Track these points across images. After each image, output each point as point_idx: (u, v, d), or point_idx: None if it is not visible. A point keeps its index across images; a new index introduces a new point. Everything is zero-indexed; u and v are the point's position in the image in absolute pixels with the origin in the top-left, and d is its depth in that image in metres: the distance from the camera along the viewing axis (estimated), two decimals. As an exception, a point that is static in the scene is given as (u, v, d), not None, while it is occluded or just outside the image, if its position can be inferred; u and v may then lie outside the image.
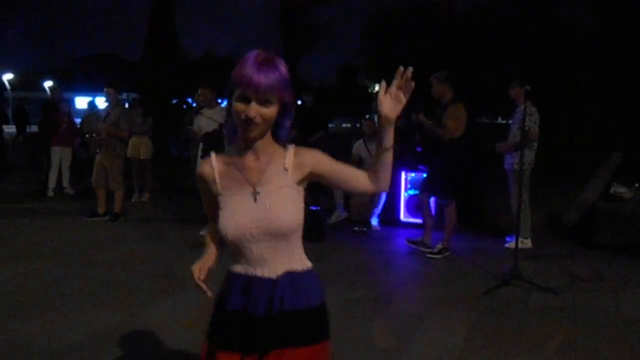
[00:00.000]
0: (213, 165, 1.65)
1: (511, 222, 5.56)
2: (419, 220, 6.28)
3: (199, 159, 5.89)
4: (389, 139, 1.59)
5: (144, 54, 28.01)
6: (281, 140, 1.62)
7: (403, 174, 6.71)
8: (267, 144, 1.60)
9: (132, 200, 8.16)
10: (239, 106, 1.50)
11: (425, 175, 5.91)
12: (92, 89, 7.40)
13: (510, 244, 5.29)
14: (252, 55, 1.51)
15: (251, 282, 1.60)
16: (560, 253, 5.62)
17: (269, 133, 1.59)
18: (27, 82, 43.67)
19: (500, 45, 20.07)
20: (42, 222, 6.84)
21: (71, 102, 24.98)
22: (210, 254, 1.79)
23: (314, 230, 5.64)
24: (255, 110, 1.48)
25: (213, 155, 1.67)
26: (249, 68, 1.47)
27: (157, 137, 9.15)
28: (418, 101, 5.50)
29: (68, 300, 4.13)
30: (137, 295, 4.28)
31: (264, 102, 1.49)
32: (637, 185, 5.93)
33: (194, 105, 7.99)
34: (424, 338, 3.57)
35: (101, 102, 8.24)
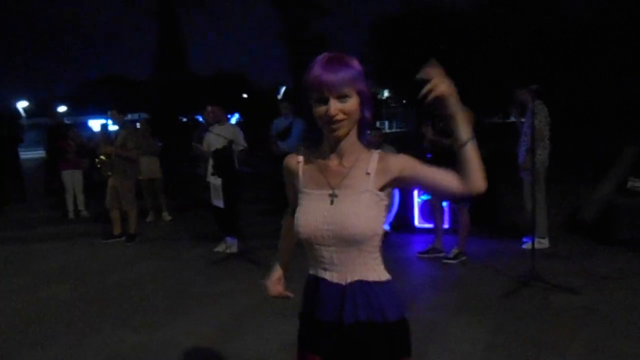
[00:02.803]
0: (299, 160, 1.65)
1: (527, 223, 5.49)
2: (430, 225, 6.23)
3: (209, 175, 5.92)
4: (461, 133, 1.45)
5: (153, 74, 28.33)
6: (365, 138, 1.58)
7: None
8: (352, 146, 1.56)
9: (148, 220, 8.22)
10: (319, 109, 1.48)
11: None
12: (104, 112, 7.53)
13: (528, 244, 5.22)
14: (319, 57, 1.51)
15: (319, 285, 1.58)
16: (579, 251, 5.52)
17: (354, 135, 1.55)
18: (42, 108, 44.47)
19: (508, 42, 19.94)
20: (60, 246, 6.93)
21: (85, 126, 25.38)
22: (279, 267, 1.94)
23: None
24: (334, 107, 1.46)
25: (302, 150, 1.66)
26: (318, 69, 1.47)
27: (169, 156, 9.24)
28: (426, 113, 5.50)
29: (87, 323, 4.16)
30: (155, 314, 4.30)
31: (341, 98, 1.47)
32: (654, 178, 5.83)
33: (202, 122, 8.06)
34: (443, 344, 3.53)
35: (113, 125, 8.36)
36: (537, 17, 21.56)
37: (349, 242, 1.51)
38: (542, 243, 5.49)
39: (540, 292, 4.32)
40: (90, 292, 4.97)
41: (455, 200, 5.41)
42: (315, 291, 1.59)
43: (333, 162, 1.58)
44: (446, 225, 6.26)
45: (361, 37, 34.78)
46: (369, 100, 1.53)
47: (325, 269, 1.57)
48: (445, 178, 1.50)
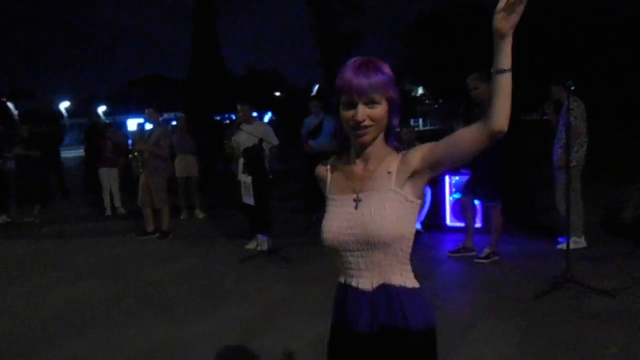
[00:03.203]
0: (328, 167, 1.66)
1: (561, 223, 5.37)
2: (461, 224, 6.14)
3: (240, 174, 5.99)
4: (503, 58, 1.35)
5: (189, 73, 28.84)
6: (392, 144, 1.56)
7: (447, 178, 6.58)
8: (378, 150, 1.54)
9: (181, 217, 8.38)
10: (347, 113, 1.48)
11: (468, 178, 5.78)
12: (142, 111, 7.76)
13: (563, 245, 5.06)
14: (351, 61, 1.49)
15: (347, 294, 1.55)
16: (618, 253, 5.33)
17: (381, 138, 1.54)
18: (83, 108, 45.91)
19: (545, 38, 19.45)
20: (96, 242, 7.14)
21: (124, 124, 26.07)
22: None
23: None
24: (362, 112, 1.45)
25: (334, 157, 1.66)
26: (349, 73, 1.46)
27: (203, 155, 9.40)
28: (458, 107, 5.41)
29: (120, 318, 4.28)
30: (186, 311, 4.38)
31: (370, 103, 1.46)
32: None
33: (235, 120, 8.17)
34: (473, 346, 3.47)
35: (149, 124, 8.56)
36: (573, 11, 20.94)
37: (374, 245, 1.47)
38: (579, 243, 5.34)
39: (574, 294, 4.19)
40: (123, 288, 5.11)
41: (488, 198, 5.31)
42: (344, 299, 1.56)
43: (359, 167, 1.57)
44: (479, 224, 6.15)
45: (396, 35, 34.53)
46: (397, 107, 1.51)
47: (352, 276, 1.54)
48: (463, 134, 1.44)
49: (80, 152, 20.07)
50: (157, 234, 7.09)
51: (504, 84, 1.36)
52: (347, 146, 1.59)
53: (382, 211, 1.47)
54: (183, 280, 5.27)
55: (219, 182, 11.97)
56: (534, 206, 6.84)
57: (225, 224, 7.79)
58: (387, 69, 1.49)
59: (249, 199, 5.75)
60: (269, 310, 4.31)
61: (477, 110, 5.16)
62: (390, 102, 1.49)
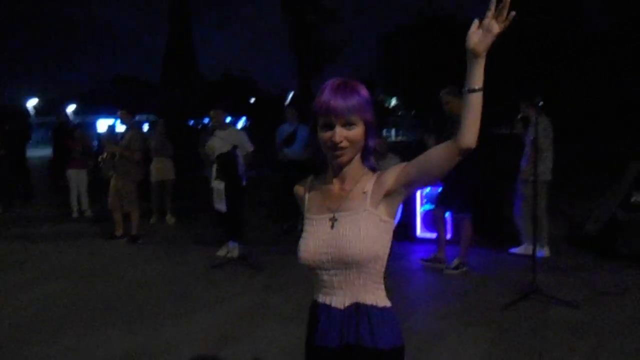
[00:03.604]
0: (306, 187, 1.68)
1: (517, 231, 5.97)
2: (435, 235, 6.21)
3: (213, 180, 5.95)
4: (476, 77, 1.39)
5: (163, 76, 28.49)
6: (369, 164, 1.60)
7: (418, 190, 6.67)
8: (355, 170, 1.58)
9: (151, 221, 8.25)
10: (325, 134, 1.51)
11: (440, 189, 5.87)
12: (113, 112, 7.59)
13: (521, 250, 5.66)
14: (329, 82, 1.53)
15: (321, 311, 1.57)
16: (581, 265, 5.49)
17: (358, 159, 1.57)
18: (52, 107, 44.85)
19: (516, 53, 19.97)
20: (63, 245, 6.96)
21: (93, 125, 25.58)
22: None
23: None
24: (340, 134, 1.48)
25: (311, 177, 1.69)
26: (327, 94, 1.49)
27: (178, 158, 9.25)
28: (428, 120, 5.51)
29: (88, 323, 4.18)
30: (156, 317, 4.31)
31: (347, 125, 1.49)
32: (658, 194, 5.80)
33: (209, 126, 8.10)
34: (443, 354, 3.53)
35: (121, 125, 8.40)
36: (544, 26, 21.57)
37: (348, 263, 1.50)
38: (528, 250, 5.52)
39: (540, 305, 4.30)
40: (90, 293, 4.99)
41: (459, 210, 5.40)
42: (316, 316, 1.59)
43: (335, 186, 1.60)
44: (449, 235, 6.24)
45: (372, 46, 35.04)
46: (374, 129, 1.55)
47: (326, 294, 1.56)
48: (434, 152, 1.49)
49: (47, 151, 19.58)
50: (126, 239, 6.97)
51: (475, 102, 1.40)
52: (325, 166, 1.62)
53: (357, 231, 1.50)
54: (152, 286, 5.19)
55: (190, 186, 11.85)
56: (501, 218, 6.99)
57: (196, 230, 7.71)
58: (364, 90, 1.52)
59: (220, 206, 5.71)
60: (240, 318, 4.28)
61: (449, 124, 5.26)
62: (366, 123, 1.52)
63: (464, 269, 5.33)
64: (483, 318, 4.13)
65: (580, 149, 16.25)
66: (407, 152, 10.18)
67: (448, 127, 5.25)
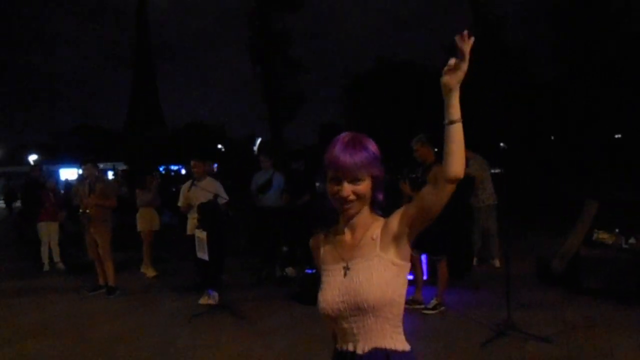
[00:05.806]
0: (321, 239, 1.74)
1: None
2: (410, 277, 6.38)
3: (193, 229, 6.02)
4: (452, 109, 1.47)
5: (127, 124, 28.44)
6: (378, 212, 1.66)
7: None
8: (364, 219, 1.64)
9: (142, 270, 8.07)
10: (333, 187, 1.59)
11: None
12: (76, 161, 7.56)
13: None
14: (340, 137, 1.60)
15: (339, 358, 1.62)
16: (552, 300, 5.74)
17: (366, 208, 1.64)
18: (13, 157, 43.83)
19: (481, 98, 20.92)
20: (35, 301, 6.79)
21: (56, 175, 25.18)
22: None
23: (311, 292, 5.71)
24: (347, 189, 1.56)
25: (325, 229, 1.74)
26: (337, 150, 1.56)
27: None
28: (402, 168, 5.75)
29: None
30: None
31: (354, 180, 1.56)
32: (617, 230, 6.18)
33: (182, 173, 8.13)
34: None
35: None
36: (505, 77, 22.75)
37: (364, 309, 1.55)
38: (496, 262, 7.31)
39: (516, 341, 4.49)
40: (68, 350, 4.89)
41: (435, 252, 5.60)
42: None
43: (347, 236, 1.67)
44: (424, 277, 6.42)
45: (339, 94, 36.02)
46: (381, 183, 1.64)
47: (347, 342, 1.61)
48: (427, 188, 1.56)
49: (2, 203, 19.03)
50: (104, 290, 6.88)
51: (456, 133, 1.48)
52: (336, 217, 1.70)
53: (369, 277, 1.56)
54: (134, 338, 5.13)
55: (167, 234, 11.74)
56: (471, 256, 7.27)
57: (176, 279, 7.64)
58: (373, 146, 1.61)
59: (203, 255, 5.77)
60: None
61: (421, 170, 5.52)
62: (374, 178, 1.61)
63: (442, 308, 5.50)
64: (462, 357, 4.28)
65: (537, 189, 16.94)
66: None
67: (421, 172, 5.52)
